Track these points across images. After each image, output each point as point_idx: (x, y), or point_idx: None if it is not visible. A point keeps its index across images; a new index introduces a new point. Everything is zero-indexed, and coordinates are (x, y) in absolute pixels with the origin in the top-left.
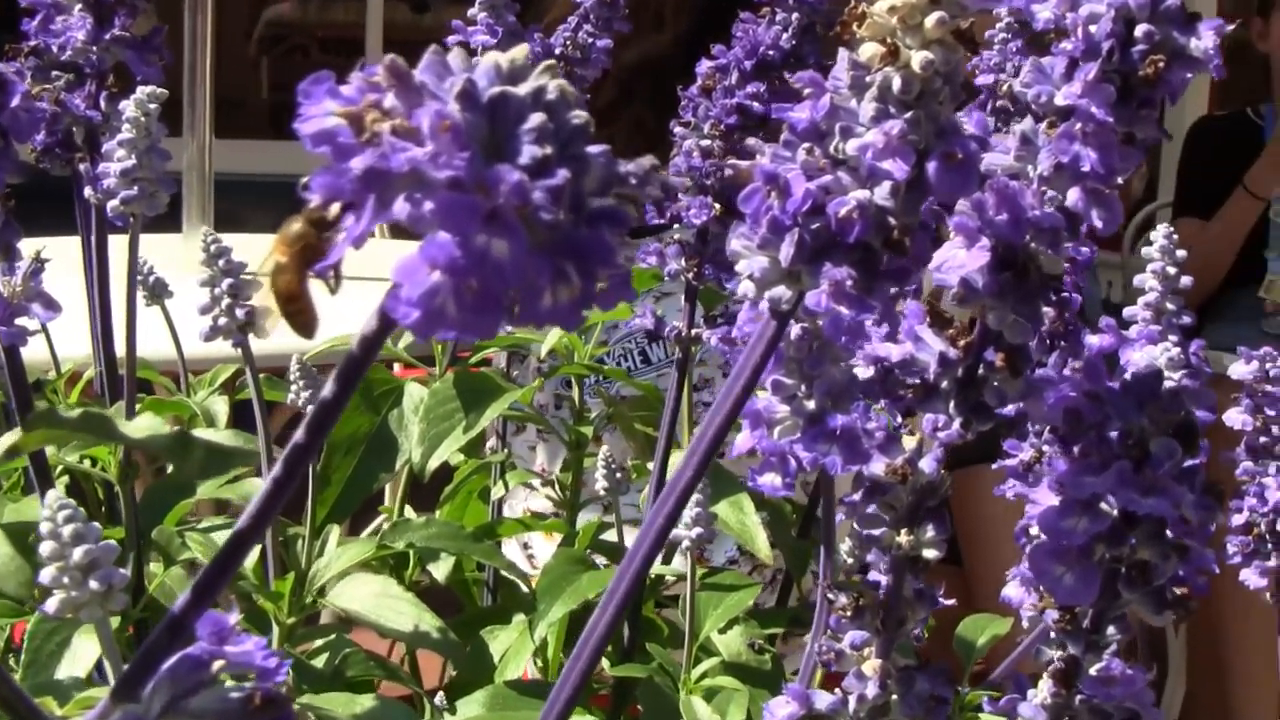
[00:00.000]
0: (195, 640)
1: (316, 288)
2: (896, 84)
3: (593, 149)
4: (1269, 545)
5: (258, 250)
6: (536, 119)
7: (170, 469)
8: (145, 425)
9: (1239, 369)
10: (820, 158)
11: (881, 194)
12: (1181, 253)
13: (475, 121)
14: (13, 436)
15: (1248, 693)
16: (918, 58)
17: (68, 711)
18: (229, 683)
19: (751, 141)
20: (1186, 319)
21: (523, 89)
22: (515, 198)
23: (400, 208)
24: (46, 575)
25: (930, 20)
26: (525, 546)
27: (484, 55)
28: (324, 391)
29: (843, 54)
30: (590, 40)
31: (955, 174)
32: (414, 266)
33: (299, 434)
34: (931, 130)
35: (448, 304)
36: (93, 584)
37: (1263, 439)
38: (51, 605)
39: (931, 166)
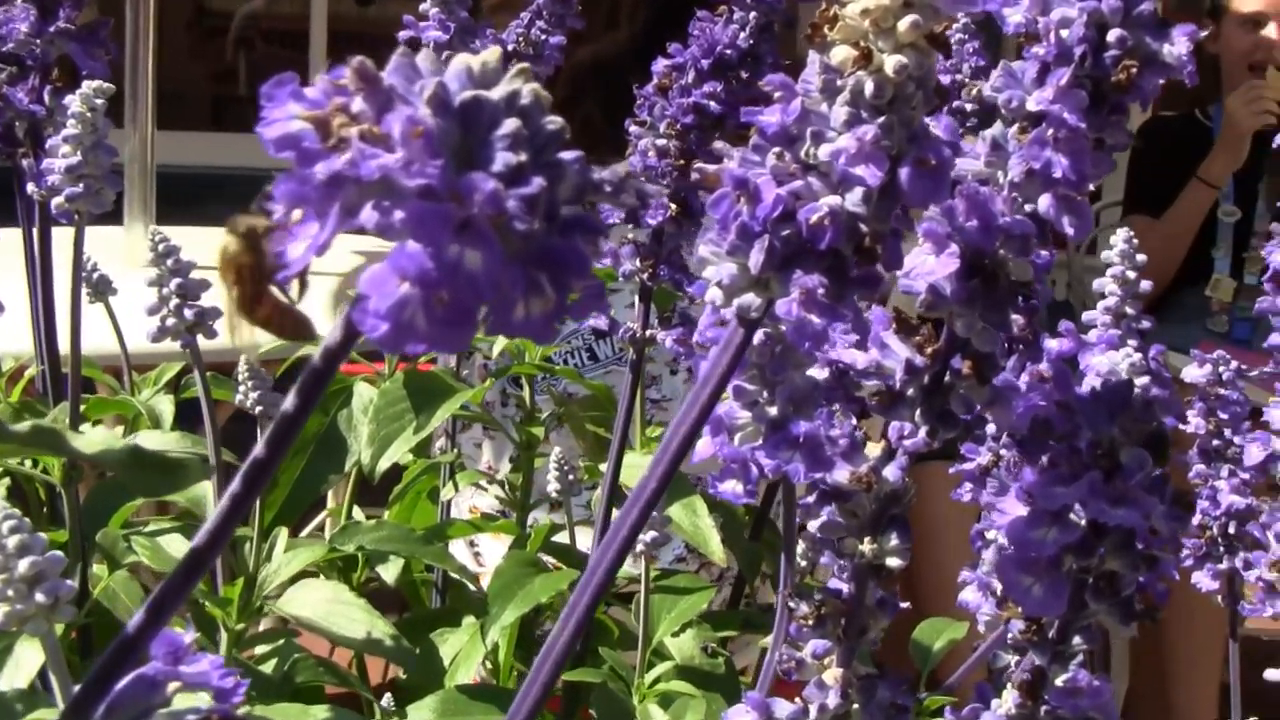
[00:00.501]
0: (149, 660)
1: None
2: (869, 88)
3: (566, 155)
4: (1221, 548)
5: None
6: (511, 125)
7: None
8: (98, 439)
9: (1192, 372)
10: (791, 163)
11: (853, 200)
12: (1141, 257)
13: (447, 127)
14: None
15: (1189, 693)
16: (891, 62)
17: None
18: (185, 703)
19: (719, 145)
20: (1146, 323)
21: (495, 93)
22: (489, 207)
23: (367, 215)
24: None
25: (903, 24)
26: (472, 544)
27: (454, 57)
28: (285, 405)
29: (813, 57)
30: (543, 37)
31: (928, 180)
32: (382, 278)
33: (259, 448)
34: (904, 135)
35: (417, 316)
36: (39, 596)
37: (1215, 442)
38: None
39: (904, 172)
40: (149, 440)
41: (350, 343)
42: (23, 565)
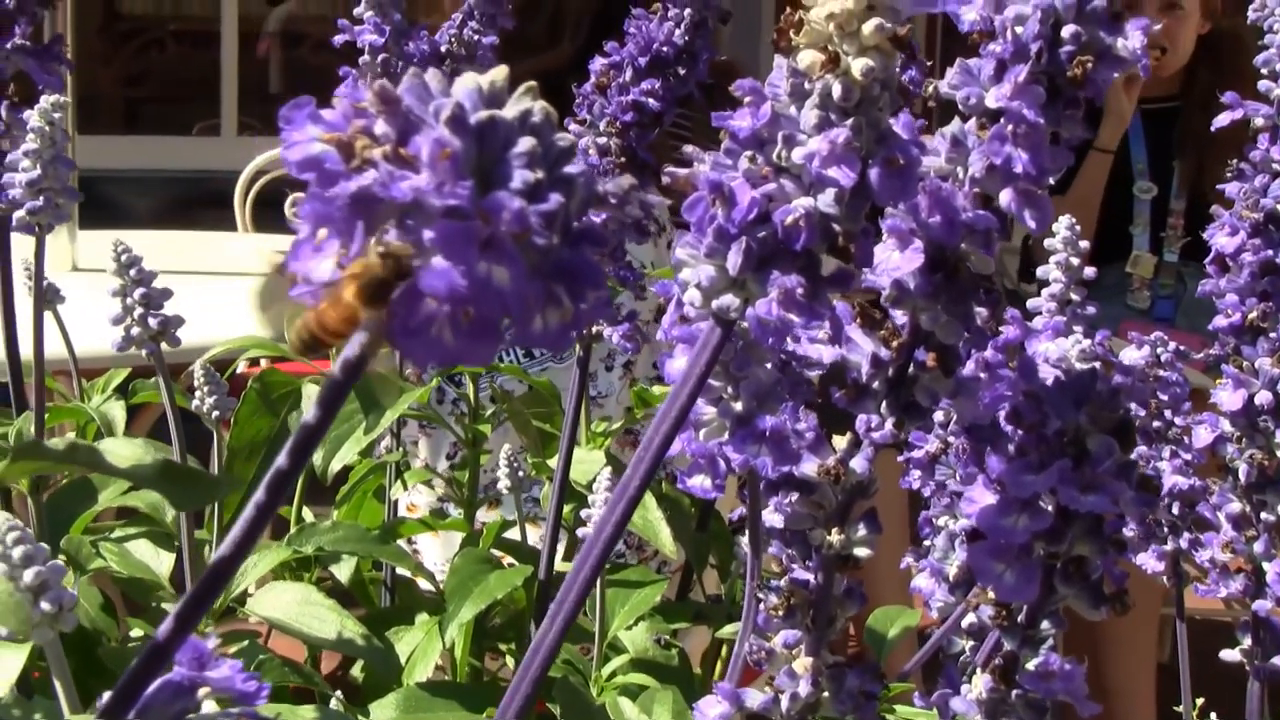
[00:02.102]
0: (173, 667)
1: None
2: (837, 91)
3: (574, 169)
4: (1164, 529)
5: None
6: (527, 143)
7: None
8: (128, 454)
9: (1131, 354)
10: (763, 165)
11: (825, 201)
12: (1084, 243)
13: (467, 147)
14: None
15: (1125, 674)
16: (857, 64)
17: None
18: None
19: (689, 149)
20: (1091, 309)
21: (509, 112)
22: (515, 225)
23: (392, 234)
24: None
25: (868, 27)
26: (410, 543)
27: (461, 76)
28: (306, 416)
29: (780, 61)
30: (476, 37)
31: (897, 179)
32: (411, 294)
33: (281, 459)
34: (872, 136)
35: (444, 331)
36: (44, 605)
37: (1156, 424)
38: (3, 628)
39: (874, 173)
40: (115, 448)
41: (371, 356)
42: (28, 575)
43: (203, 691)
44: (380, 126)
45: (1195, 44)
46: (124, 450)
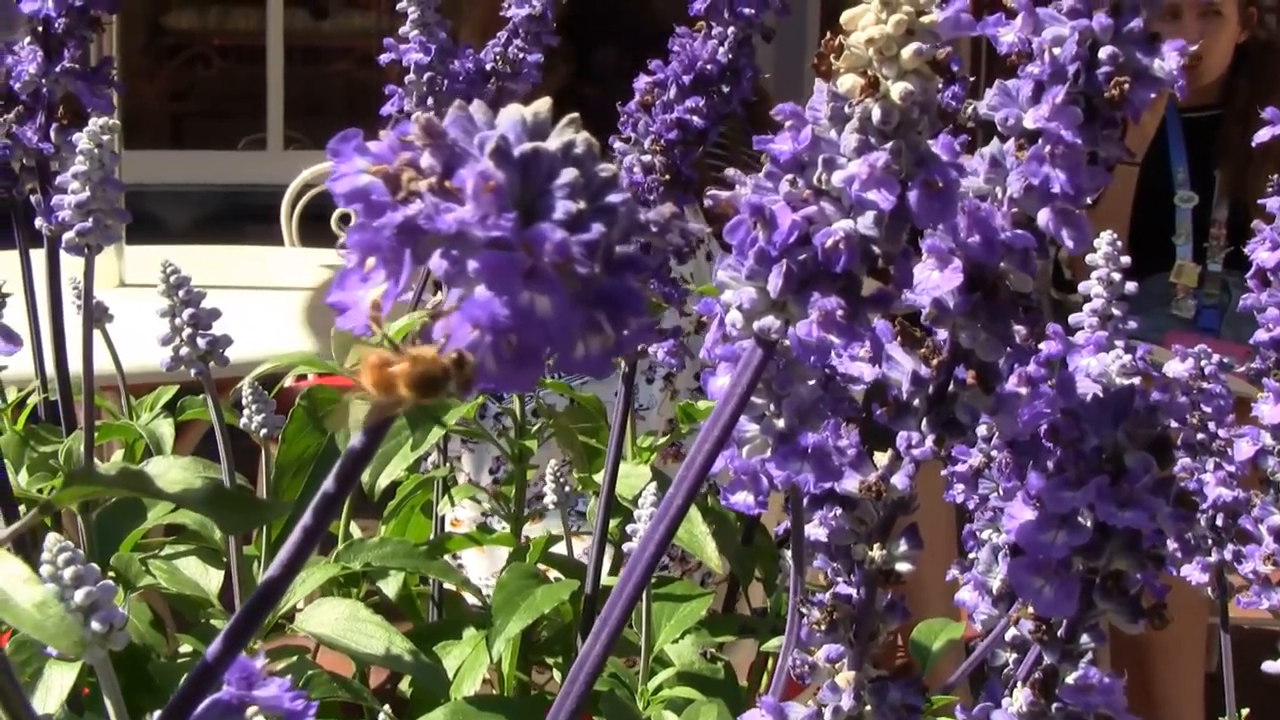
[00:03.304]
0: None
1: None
2: (877, 115)
3: (615, 198)
4: (1209, 541)
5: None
6: (569, 174)
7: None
8: (178, 479)
9: (1174, 366)
10: (804, 189)
11: (865, 223)
12: (1126, 259)
13: (511, 179)
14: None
15: (1173, 685)
16: (897, 89)
17: None
18: None
19: (731, 172)
20: (1133, 324)
21: (552, 144)
22: (558, 255)
23: (436, 264)
24: None
25: (907, 51)
26: (455, 557)
27: (505, 108)
28: (353, 442)
29: (820, 86)
30: (521, 55)
31: (936, 201)
32: (456, 324)
33: (328, 483)
34: (912, 159)
35: (487, 359)
36: (95, 625)
37: (1200, 436)
38: (54, 647)
39: (913, 195)
40: (164, 471)
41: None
42: (79, 595)
43: (251, 710)
44: (426, 159)
45: (1233, 53)
46: (173, 474)
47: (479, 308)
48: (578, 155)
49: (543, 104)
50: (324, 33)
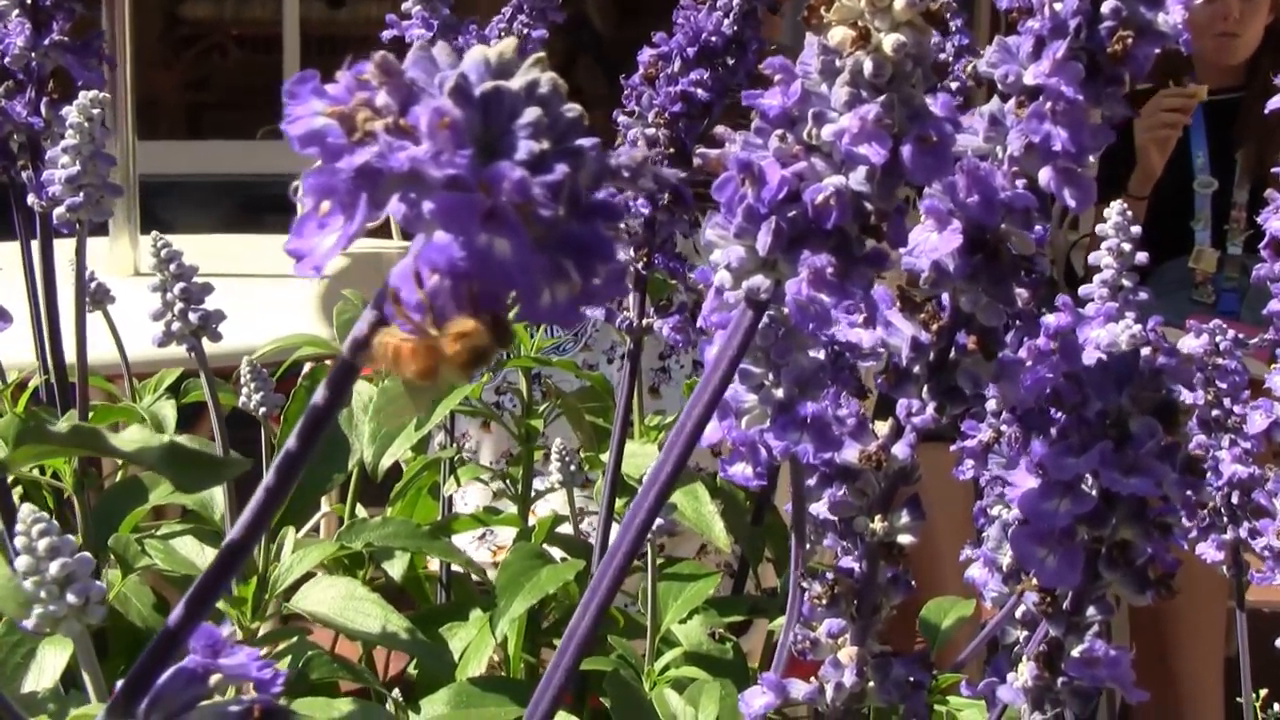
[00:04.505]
0: (188, 654)
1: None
2: (868, 68)
3: (585, 142)
4: (1225, 518)
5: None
6: (532, 113)
7: (119, 476)
8: (135, 438)
9: (1189, 343)
10: (793, 144)
11: (857, 179)
12: (1135, 229)
13: (470, 117)
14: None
15: (1194, 663)
16: (889, 41)
17: None
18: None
19: (720, 129)
20: (1143, 295)
21: (515, 83)
22: (516, 195)
23: (394, 207)
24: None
25: (900, 3)
26: (482, 536)
27: (470, 50)
28: (315, 398)
29: (811, 39)
30: (526, 30)
31: (930, 157)
32: (411, 270)
33: (291, 441)
34: (905, 114)
35: (448, 307)
36: (70, 598)
37: (1215, 413)
38: (30, 620)
39: (906, 150)
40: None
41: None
42: (54, 567)
43: (214, 679)
44: (382, 98)
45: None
46: (129, 434)
47: (437, 251)
48: (543, 95)
49: (508, 44)
50: (340, 21)
